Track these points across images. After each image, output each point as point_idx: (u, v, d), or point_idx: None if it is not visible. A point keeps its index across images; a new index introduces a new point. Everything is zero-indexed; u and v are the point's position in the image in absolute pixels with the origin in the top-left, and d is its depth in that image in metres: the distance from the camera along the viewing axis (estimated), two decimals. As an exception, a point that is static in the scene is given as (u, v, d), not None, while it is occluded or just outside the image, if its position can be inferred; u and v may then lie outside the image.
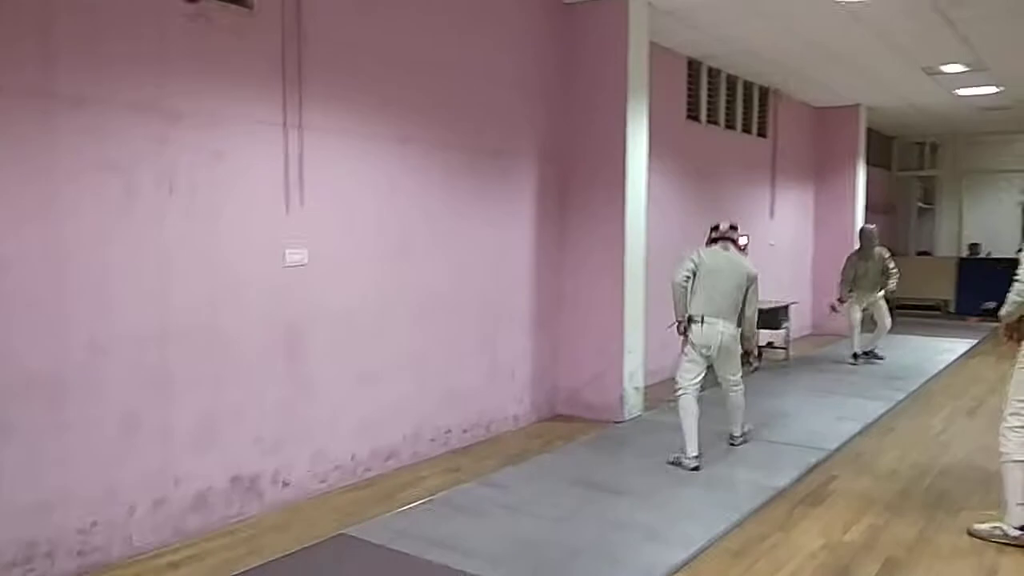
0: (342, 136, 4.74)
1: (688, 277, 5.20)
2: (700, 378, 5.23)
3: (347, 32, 4.74)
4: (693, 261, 5.22)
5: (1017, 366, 3.99)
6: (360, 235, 4.91)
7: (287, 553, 3.84)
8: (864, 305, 9.00)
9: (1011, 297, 3.95)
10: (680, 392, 5.22)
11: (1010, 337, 4.04)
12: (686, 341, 5.24)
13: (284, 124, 4.39)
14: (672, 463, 5.17)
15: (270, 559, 3.77)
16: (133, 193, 3.75)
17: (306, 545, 3.93)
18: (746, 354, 5.46)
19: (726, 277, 5.19)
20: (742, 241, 5.52)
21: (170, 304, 3.91)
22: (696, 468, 5.07)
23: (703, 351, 5.19)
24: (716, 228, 5.48)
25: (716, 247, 5.37)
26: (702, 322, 5.14)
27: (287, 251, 4.45)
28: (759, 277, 5.37)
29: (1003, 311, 4.01)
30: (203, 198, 4.04)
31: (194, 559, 3.81)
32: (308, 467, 4.65)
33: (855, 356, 9.06)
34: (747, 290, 5.25)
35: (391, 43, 5.04)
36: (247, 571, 3.64)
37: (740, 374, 5.45)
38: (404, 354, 5.24)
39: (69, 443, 3.57)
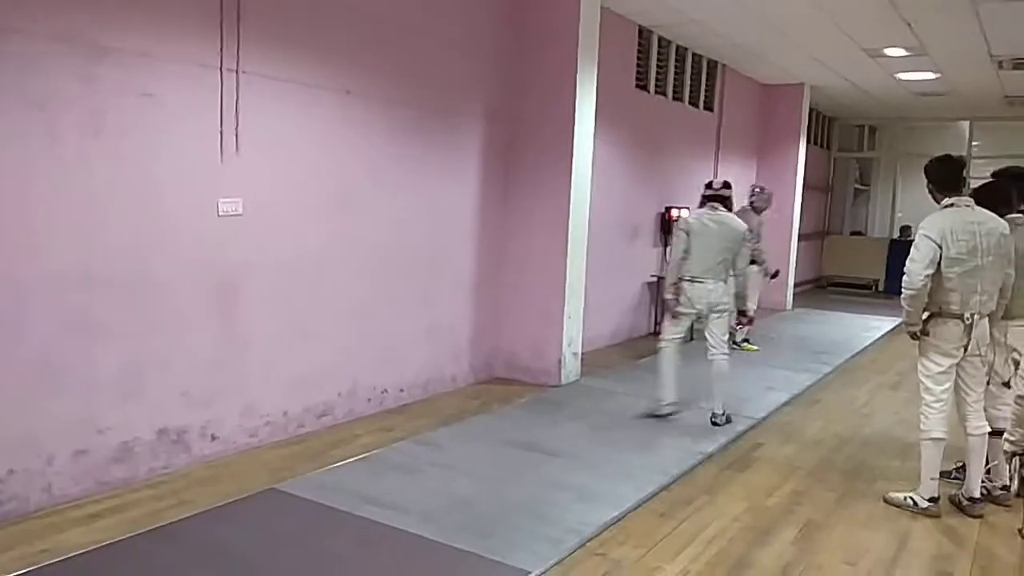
0: (283, 84, 4.59)
1: (684, 249, 5.41)
2: (684, 332, 5.58)
3: (292, -24, 4.58)
4: (683, 231, 5.44)
5: (921, 353, 4.17)
6: (299, 187, 4.79)
7: (215, 506, 3.78)
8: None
9: (903, 299, 4.04)
10: (663, 344, 5.56)
11: (915, 338, 4.19)
12: (677, 303, 5.51)
13: (220, 67, 4.23)
14: (644, 415, 5.57)
15: (197, 511, 3.71)
16: (57, 131, 3.57)
17: (236, 499, 3.87)
18: (741, 314, 5.59)
19: (714, 238, 5.37)
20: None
21: (96, 247, 3.76)
22: (670, 414, 5.52)
23: (694, 307, 5.43)
24: (709, 186, 5.61)
25: (705, 209, 5.51)
26: (691, 282, 5.40)
27: (221, 200, 4.32)
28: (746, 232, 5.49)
29: (903, 316, 4.12)
30: (132, 141, 3.87)
31: (117, 510, 3.72)
32: (238, 421, 4.57)
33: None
34: (738, 248, 5.42)
35: (338, -10, 4.89)
36: (173, 523, 3.58)
37: (726, 340, 5.54)
38: (342, 310, 5.17)
39: (-16, 389, 3.43)
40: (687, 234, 5.40)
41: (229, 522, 3.63)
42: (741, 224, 5.49)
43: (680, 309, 5.46)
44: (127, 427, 4.00)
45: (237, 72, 4.31)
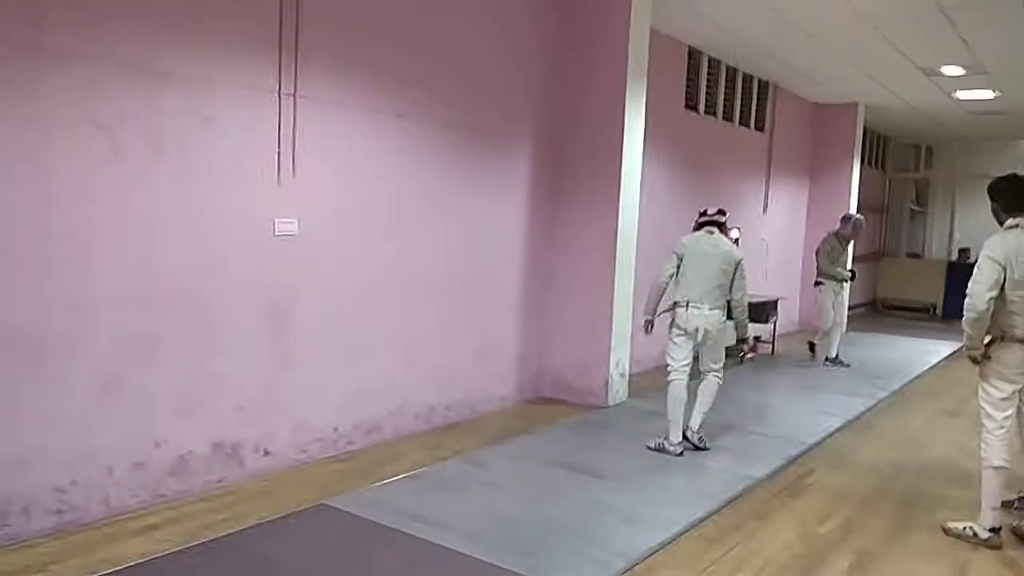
0: (338, 107, 4.71)
1: (671, 274, 5.25)
2: (690, 359, 5.24)
3: (348, 3, 4.70)
4: (676, 253, 5.26)
5: (982, 379, 4.06)
6: (352, 208, 4.89)
7: (267, 520, 3.85)
8: (835, 295, 8.66)
9: (965, 322, 3.93)
10: (671, 376, 5.22)
11: (977, 363, 4.09)
12: (651, 327, 5.36)
13: (279, 92, 4.36)
14: (654, 448, 5.21)
15: (250, 525, 3.78)
16: (120, 152, 3.71)
17: (286, 514, 3.93)
18: (740, 342, 5.43)
19: (709, 261, 5.17)
20: (733, 234, 5.51)
21: (155, 267, 3.89)
22: (680, 454, 5.13)
23: (688, 333, 5.18)
24: (704, 213, 5.49)
25: (701, 232, 5.35)
26: (687, 307, 5.15)
27: (277, 221, 4.43)
28: (744, 262, 5.30)
29: (965, 340, 4.02)
30: (192, 162, 4.00)
31: (173, 522, 3.81)
32: (290, 438, 4.65)
33: (827, 359, 8.87)
34: (733, 274, 5.21)
35: (392, 17, 5.00)
36: (227, 536, 3.65)
37: (722, 364, 5.38)
38: (392, 329, 5.23)
39: (48, 401, 3.55)
40: (680, 257, 5.21)
41: (281, 536, 3.69)
42: (737, 250, 5.30)
43: (676, 333, 5.22)
44: (183, 441, 4.10)
45: (295, 96, 4.43)
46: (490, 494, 4.34)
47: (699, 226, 5.43)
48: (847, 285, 8.89)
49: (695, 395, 5.34)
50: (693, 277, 5.17)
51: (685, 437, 5.27)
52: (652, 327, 5.37)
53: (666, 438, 5.20)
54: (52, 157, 3.48)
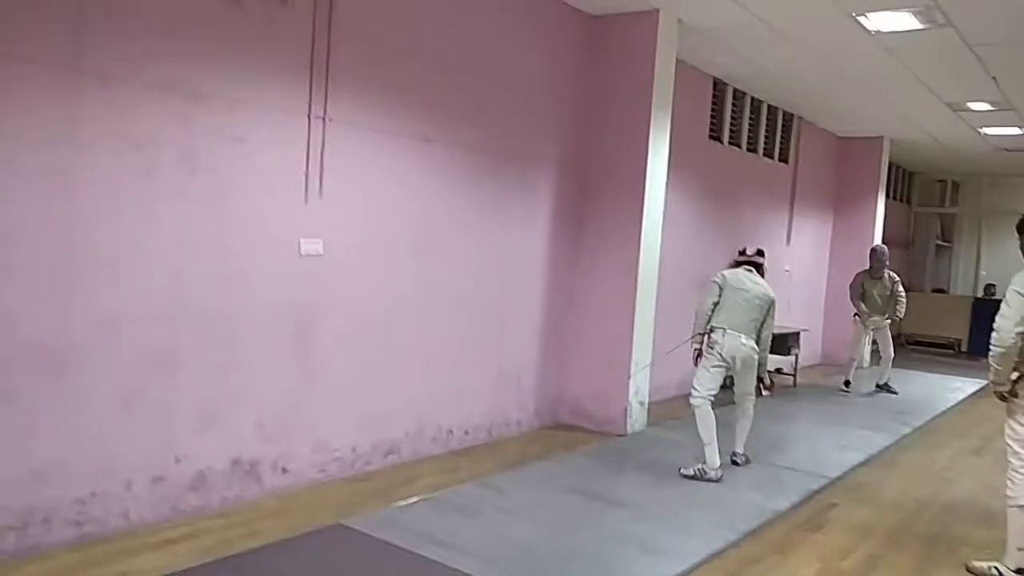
0: (366, 131, 4.77)
1: (715, 302, 5.32)
2: (717, 389, 5.27)
3: (379, 28, 4.78)
4: (717, 283, 5.37)
5: (1009, 416, 4.00)
6: (377, 230, 4.93)
7: (284, 539, 3.85)
8: (870, 329, 9.01)
9: (991, 357, 3.89)
10: (697, 403, 5.23)
11: (1004, 399, 4.02)
12: (700, 355, 5.35)
13: (308, 114, 4.43)
14: (692, 476, 5.19)
15: (267, 543, 3.78)
16: (151, 171, 3.78)
17: (303, 532, 3.93)
18: (758, 380, 5.49)
19: (747, 296, 5.30)
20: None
21: (181, 284, 3.94)
22: (719, 480, 5.15)
23: (726, 360, 5.23)
24: (743, 252, 5.67)
25: (740, 269, 5.49)
26: (725, 333, 5.21)
27: (303, 241, 4.48)
28: (776, 303, 5.48)
29: (991, 376, 3.97)
30: (221, 181, 4.07)
31: (191, 537, 3.82)
32: (308, 456, 4.66)
33: (847, 384, 9.14)
34: (766, 312, 5.36)
35: (422, 42, 5.07)
36: (244, 553, 3.65)
37: (754, 390, 5.51)
38: (412, 351, 5.25)
39: (70, 414, 3.59)
40: (721, 287, 5.32)
41: (296, 555, 3.69)
42: (771, 291, 5.41)
43: (712, 361, 5.23)
44: (203, 456, 4.12)
45: (324, 119, 4.50)
46: (507, 519, 4.31)
47: (737, 264, 5.57)
48: (887, 320, 8.93)
49: (730, 424, 5.54)
50: (732, 307, 5.28)
51: (733, 461, 5.53)
52: (700, 349, 5.37)
53: (703, 463, 5.19)
54: (83, 174, 3.55)
